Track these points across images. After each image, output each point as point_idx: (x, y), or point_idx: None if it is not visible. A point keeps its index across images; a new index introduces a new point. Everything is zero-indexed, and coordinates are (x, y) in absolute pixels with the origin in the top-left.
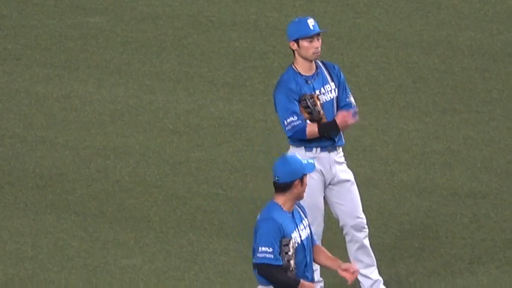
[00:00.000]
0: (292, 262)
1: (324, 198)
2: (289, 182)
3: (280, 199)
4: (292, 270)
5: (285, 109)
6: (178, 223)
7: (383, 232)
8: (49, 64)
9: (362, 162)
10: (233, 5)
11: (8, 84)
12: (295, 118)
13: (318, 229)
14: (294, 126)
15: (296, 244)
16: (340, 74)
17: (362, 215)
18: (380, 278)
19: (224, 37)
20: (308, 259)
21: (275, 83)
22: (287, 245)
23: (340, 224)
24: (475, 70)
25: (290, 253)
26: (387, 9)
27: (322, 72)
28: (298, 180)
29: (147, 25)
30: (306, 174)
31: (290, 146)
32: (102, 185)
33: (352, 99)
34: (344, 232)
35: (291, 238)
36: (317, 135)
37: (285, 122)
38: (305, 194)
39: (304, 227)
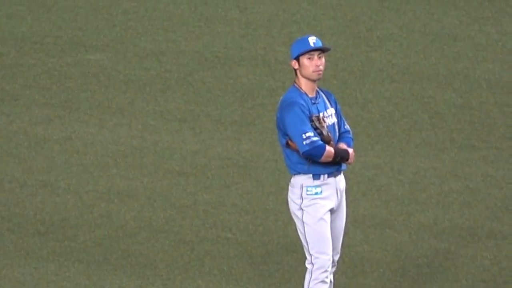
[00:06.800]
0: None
1: None
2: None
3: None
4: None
5: (301, 123)
6: (186, 269)
7: (400, 275)
8: (48, 105)
9: (377, 203)
10: (240, 40)
11: (6, 125)
12: (313, 134)
13: (332, 259)
14: (313, 142)
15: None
16: (336, 102)
17: (339, 250)
18: None
19: (231, 74)
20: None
21: (279, 104)
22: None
23: None
24: (494, 105)
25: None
26: (401, 42)
27: (321, 96)
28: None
29: (150, 62)
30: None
31: (294, 176)
32: (106, 231)
33: (348, 127)
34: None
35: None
36: (332, 158)
37: (303, 136)
38: (314, 224)
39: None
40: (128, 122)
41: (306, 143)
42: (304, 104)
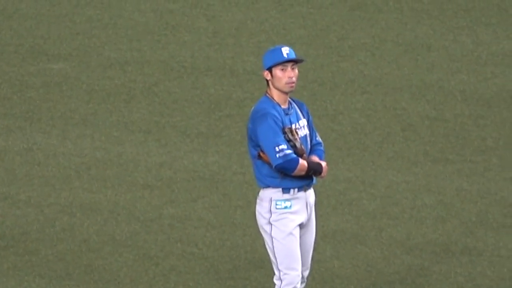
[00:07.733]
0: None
1: None
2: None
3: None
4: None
5: (274, 135)
6: (151, 285)
7: None
8: (9, 115)
9: (348, 217)
10: (207, 49)
11: None
12: (286, 146)
13: (301, 275)
14: (286, 155)
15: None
16: (309, 113)
17: (309, 266)
18: None
19: (198, 84)
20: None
21: (251, 114)
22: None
23: None
24: (469, 117)
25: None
26: (373, 52)
27: (294, 107)
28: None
29: (114, 72)
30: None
31: (263, 189)
32: (68, 245)
33: (320, 139)
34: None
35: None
36: (305, 172)
37: (276, 148)
38: (282, 239)
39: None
40: (91, 133)
41: (279, 156)
42: (278, 115)
